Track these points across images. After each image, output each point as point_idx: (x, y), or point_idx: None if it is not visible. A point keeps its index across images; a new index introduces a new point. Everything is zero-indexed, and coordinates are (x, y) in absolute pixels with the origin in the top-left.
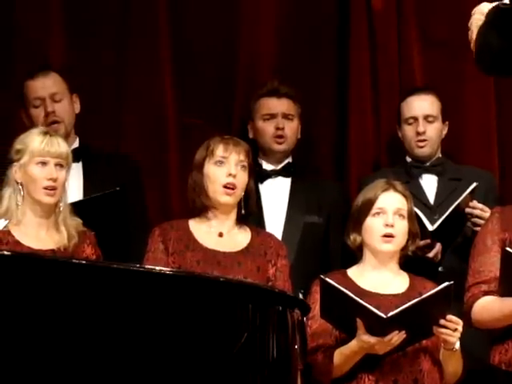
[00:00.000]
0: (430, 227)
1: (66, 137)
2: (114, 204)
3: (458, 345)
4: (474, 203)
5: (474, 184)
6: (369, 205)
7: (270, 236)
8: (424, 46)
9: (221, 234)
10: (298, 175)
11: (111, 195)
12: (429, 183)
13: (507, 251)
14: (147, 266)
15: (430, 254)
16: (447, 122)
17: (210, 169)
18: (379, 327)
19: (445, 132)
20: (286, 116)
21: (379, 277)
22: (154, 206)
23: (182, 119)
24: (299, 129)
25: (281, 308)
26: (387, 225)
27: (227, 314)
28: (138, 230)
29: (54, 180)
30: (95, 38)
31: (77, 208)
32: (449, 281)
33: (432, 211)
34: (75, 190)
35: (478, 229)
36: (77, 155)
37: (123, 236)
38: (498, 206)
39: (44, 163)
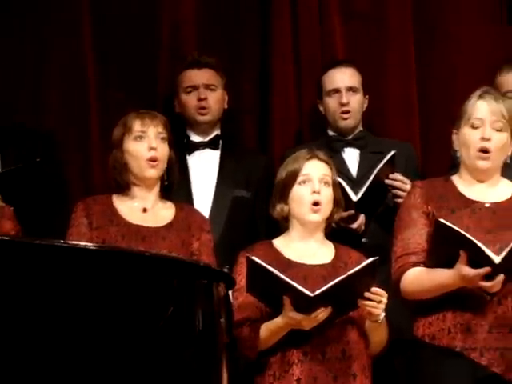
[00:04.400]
0: (354, 198)
1: None
2: (33, 176)
3: (382, 316)
4: (395, 175)
5: (392, 152)
6: (294, 174)
7: (194, 211)
8: (345, 18)
9: (145, 210)
10: (226, 148)
11: (30, 166)
12: (351, 157)
13: (440, 222)
14: (71, 242)
15: (354, 226)
16: (367, 96)
17: (130, 145)
18: (305, 304)
19: (365, 105)
20: (207, 87)
21: (305, 247)
22: (76, 180)
23: (108, 93)
24: (225, 99)
25: (206, 282)
26: (314, 192)
27: (152, 288)
28: (56, 205)
29: None
30: (16, 9)
31: None
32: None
33: (355, 184)
34: None
35: (399, 200)
36: None
37: (43, 209)
38: (417, 176)
39: None
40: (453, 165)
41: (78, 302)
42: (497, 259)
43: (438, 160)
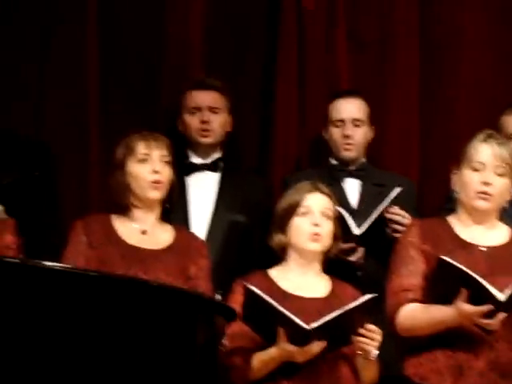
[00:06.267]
0: (356, 231)
1: None
2: (31, 189)
3: (375, 353)
4: (396, 209)
5: (399, 189)
6: (295, 205)
7: (192, 235)
8: (351, 47)
9: (144, 232)
10: (227, 171)
11: (29, 179)
12: (352, 187)
13: (443, 259)
14: (80, 267)
15: (353, 258)
16: (374, 127)
17: (133, 167)
18: (301, 337)
19: (371, 136)
20: (211, 109)
21: (302, 279)
22: (72, 197)
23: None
24: (228, 122)
25: (208, 314)
26: (315, 224)
27: (155, 317)
28: (51, 220)
29: None
30: (20, 24)
31: None
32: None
33: (355, 216)
34: None
35: (397, 235)
36: None
37: (39, 223)
38: (415, 213)
39: None
40: (447, 204)
41: (81, 325)
42: (502, 297)
43: (433, 197)
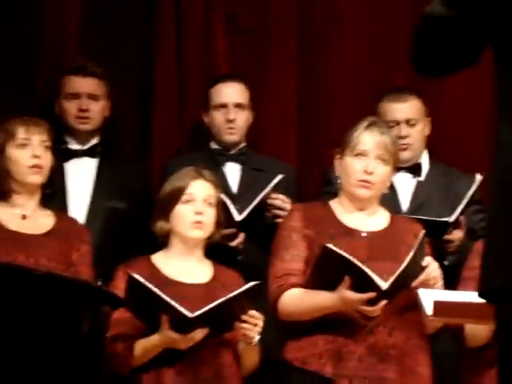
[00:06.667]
0: (237, 217)
1: None
2: None
3: (257, 338)
4: (276, 194)
5: (280, 176)
6: (178, 192)
7: (74, 220)
8: (230, 32)
9: (24, 217)
10: (105, 157)
11: None
12: (232, 172)
13: (327, 247)
14: None
15: (234, 243)
16: (254, 111)
17: (12, 152)
18: (183, 324)
19: (251, 121)
20: (91, 96)
21: (184, 265)
22: None
23: None
24: (107, 108)
25: (94, 302)
26: (197, 212)
27: (39, 304)
28: None
29: None
30: None
31: None
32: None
33: (235, 201)
34: None
35: (278, 220)
36: None
37: None
38: (294, 198)
39: None
40: (326, 188)
41: None
42: (384, 285)
43: (311, 183)
